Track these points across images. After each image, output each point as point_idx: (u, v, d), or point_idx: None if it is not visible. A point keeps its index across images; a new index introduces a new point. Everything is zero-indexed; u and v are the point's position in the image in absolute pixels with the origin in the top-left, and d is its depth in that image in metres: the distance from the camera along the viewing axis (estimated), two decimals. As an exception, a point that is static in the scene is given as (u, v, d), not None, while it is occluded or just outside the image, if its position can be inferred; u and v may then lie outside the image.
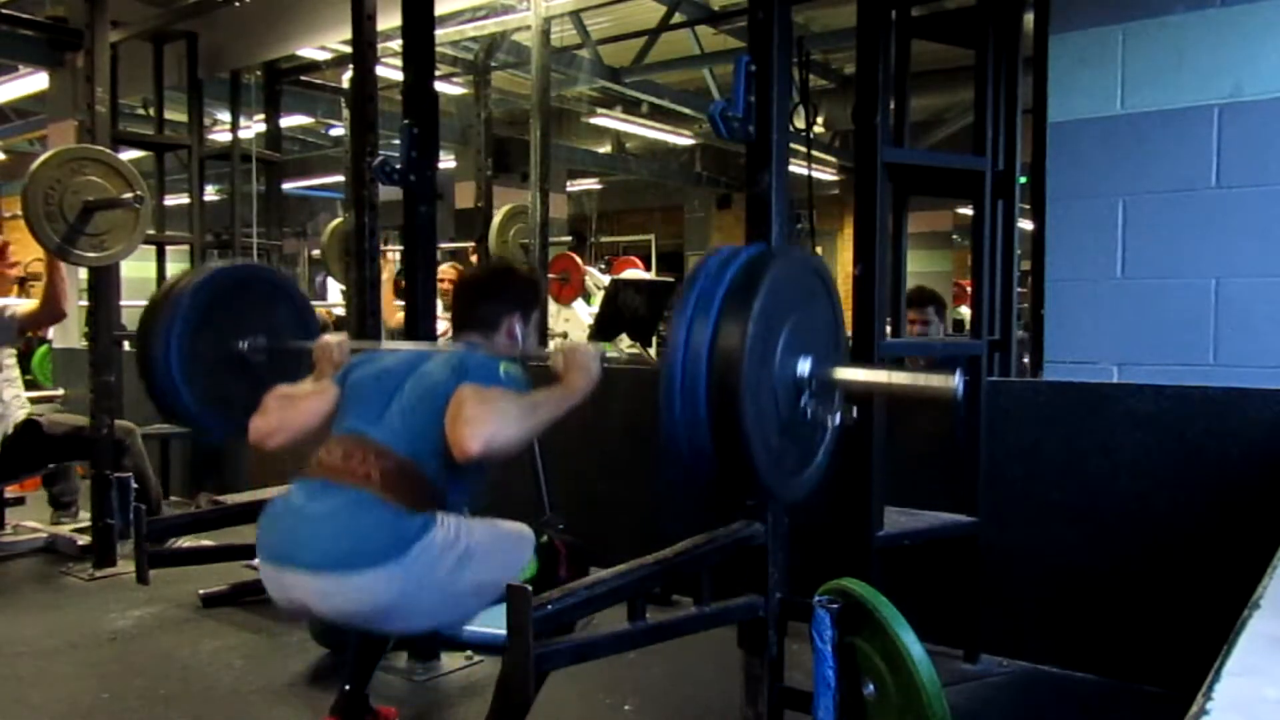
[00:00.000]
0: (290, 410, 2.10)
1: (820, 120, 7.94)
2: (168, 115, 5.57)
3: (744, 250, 1.71)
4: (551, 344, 2.14)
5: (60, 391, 5.97)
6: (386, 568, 1.82)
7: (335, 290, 8.62)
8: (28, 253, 11.30)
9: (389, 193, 2.89)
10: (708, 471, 1.64)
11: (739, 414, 1.55)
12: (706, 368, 1.57)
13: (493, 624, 2.80)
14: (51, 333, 7.64)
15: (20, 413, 3.93)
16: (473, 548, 1.93)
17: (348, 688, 2.20)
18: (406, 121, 2.69)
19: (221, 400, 2.60)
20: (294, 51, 5.48)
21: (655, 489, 3.42)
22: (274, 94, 5.66)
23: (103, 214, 3.66)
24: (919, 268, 10.24)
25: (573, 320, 7.06)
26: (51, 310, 3.87)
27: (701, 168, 11.64)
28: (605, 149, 10.29)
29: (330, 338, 2.35)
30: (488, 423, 1.78)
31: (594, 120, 9.17)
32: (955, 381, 1.60)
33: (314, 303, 3.64)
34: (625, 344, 7.50)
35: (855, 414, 1.85)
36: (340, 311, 8.61)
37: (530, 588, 1.62)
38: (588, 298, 7.60)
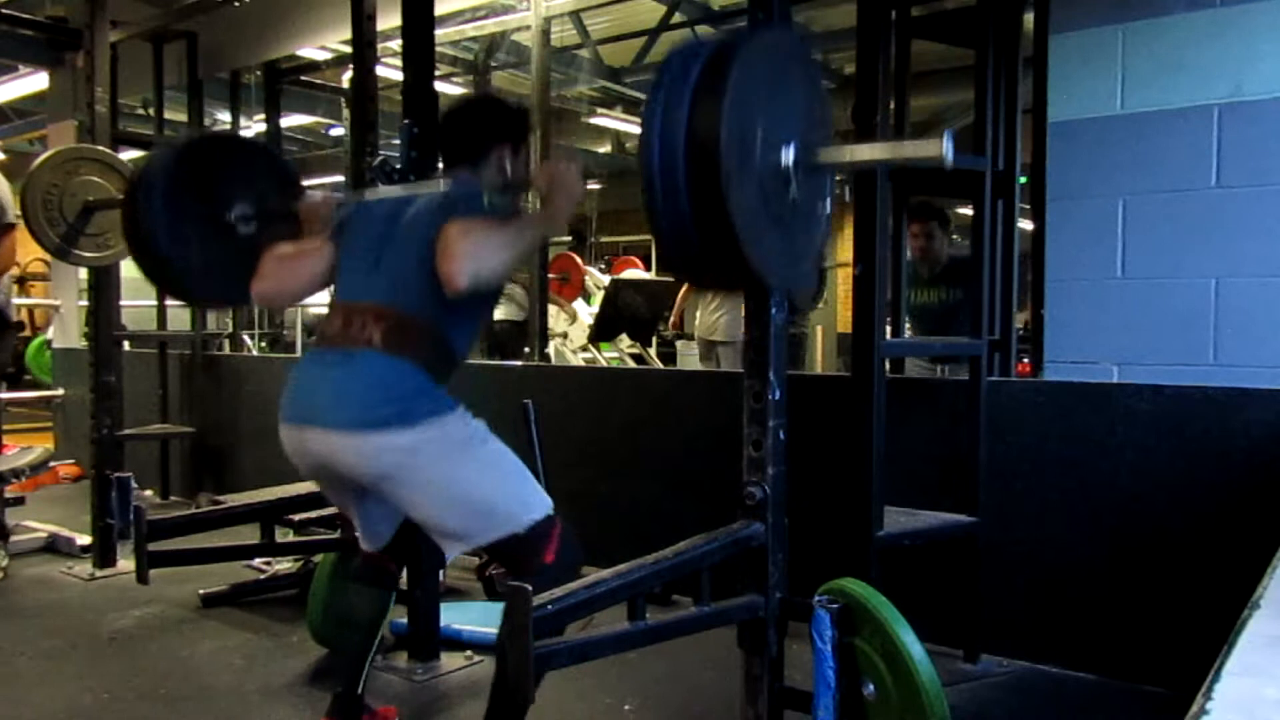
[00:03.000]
0: (287, 272, 2.12)
1: (820, 120, 7.92)
2: (168, 115, 5.57)
3: (712, 41, 1.64)
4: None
5: (60, 391, 5.96)
6: (398, 428, 1.86)
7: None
8: (28, 252, 11.33)
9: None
10: (701, 265, 1.61)
11: (725, 205, 1.48)
12: (684, 162, 1.51)
13: (492, 624, 2.80)
14: (51, 330, 7.64)
15: None
16: (486, 455, 1.97)
17: (340, 690, 2.20)
18: (406, 121, 2.69)
19: (216, 270, 2.53)
20: (294, 51, 5.48)
21: (658, 488, 3.43)
22: (274, 94, 5.66)
23: (103, 214, 3.66)
24: (919, 268, 10.27)
25: (576, 321, 7.07)
26: None
27: (701, 168, 11.61)
28: (605, 149, 10.28)
29: (316, 195, 2.32)
30: (472, 255, 1.79)
31: (594, 120, 9.17)
32: (945, 145, 1.53)
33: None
34: (625, 344, 7.52)
35: (859, 270, 1.79)
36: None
37: (530, 588, 1.62)
38: (588, 298, 7.61)
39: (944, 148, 1.53)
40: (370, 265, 2.00)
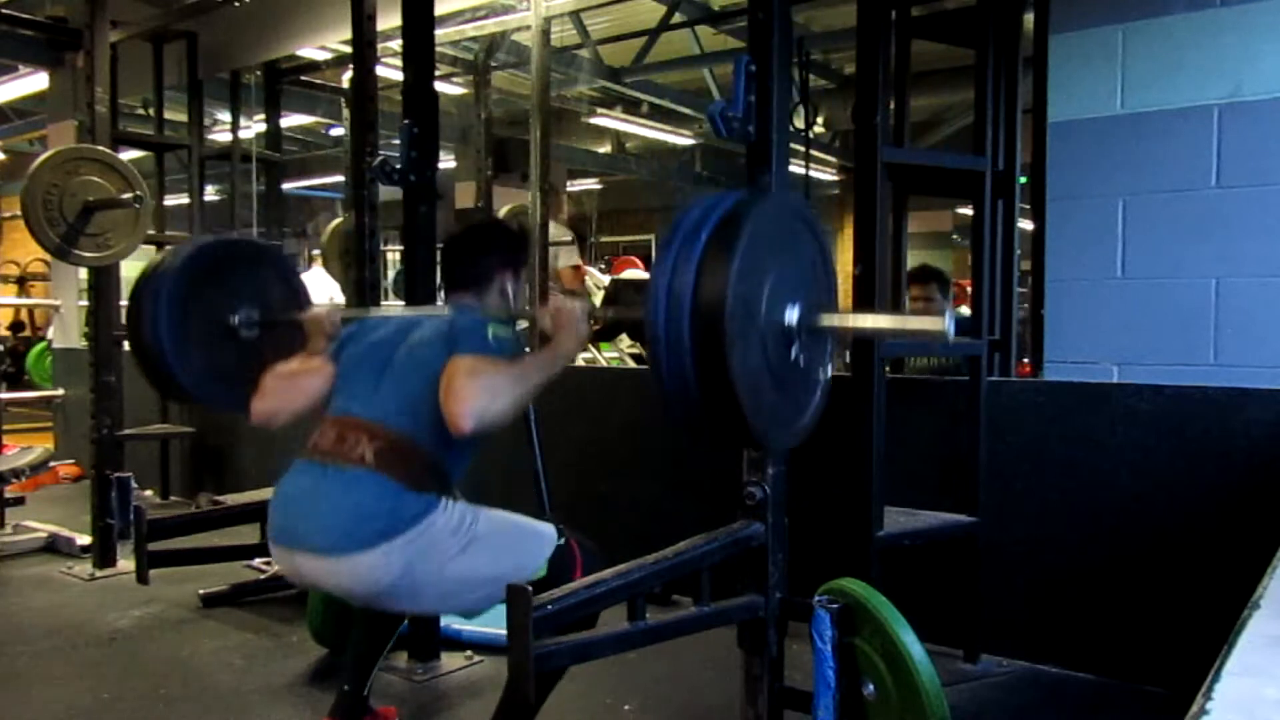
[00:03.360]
0: (289, 391, 2.11)
1: (820, 120, 7.93)
2: (168, 115, 5.57)
3: (726, 197, 1.67)
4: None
5: (60, 392, 5.97)
6: (385, 547, 1.83)
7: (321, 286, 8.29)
8: (28, 253, 11.35)
9: (389, 193, 2.89)
10: (700, 422, 1.62)
11: (726, 368, 1.50)
12: (690, 320, 1.53)
13: (492, 624, 2.80)
14: (51, 331, 7.64)
15: None
16: (481, 536, 1.94)
17: (346, 688, 2.20)
18: (406, 121, 2.69)
19: (218, 374, 2.58)
20: (294, 51, 5.48)
21: (658, 488, 3.43)
22: (274, 94, 5.66)
23: (103, 214, 3.67)
24: (919, 268, 10.26)
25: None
26: None
27: (701, 168, 11.63)
28: (605, 149, 10.28)
29: (321, 308, 2.34)
30: (478, 397, 1.78)
31: (594, 120, 9.16)
32: (946, 322, 1.55)
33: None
34: (625, 344, 7.51)
35: (847, 359, 1.81)
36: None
37: (530, 588, 1.62)
38: (588, 298, 7.61)
39: (946, 325, 1.56)
40: (370, 386, 1.99)
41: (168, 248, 2.70)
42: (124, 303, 4.57)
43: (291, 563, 1.94)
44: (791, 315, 1.67)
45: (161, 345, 2.46)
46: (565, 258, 5.74)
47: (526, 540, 2.07)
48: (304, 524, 1.90)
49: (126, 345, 2.68)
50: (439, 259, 2.30)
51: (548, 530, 2.09)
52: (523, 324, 2.16)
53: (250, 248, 2.86)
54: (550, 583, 1.97)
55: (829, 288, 1.84)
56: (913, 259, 3.55)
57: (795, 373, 1.72)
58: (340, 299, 8.65)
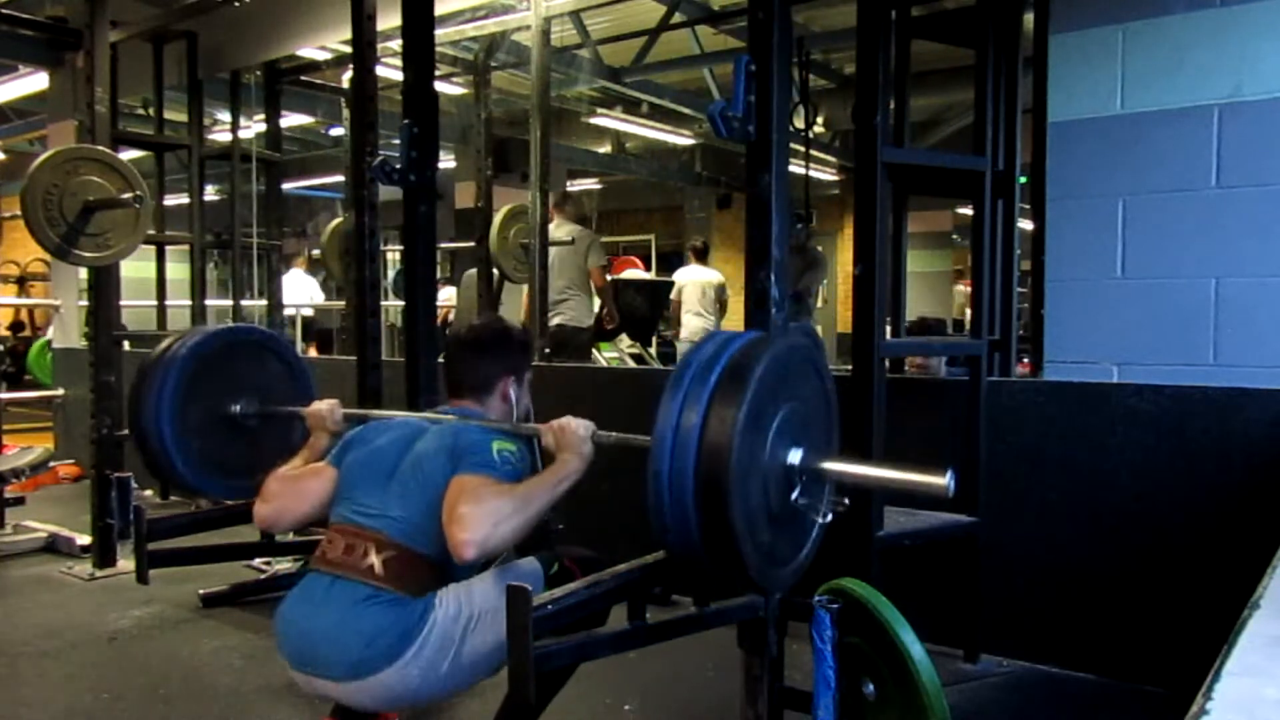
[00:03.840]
0: (291, 495, 2.10)
1: (820, 120, 7.93)
2: (168, 115, 5.56)
3: (737, 338, 1.71)
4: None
5: (60, 392, 5.96)
6: (397, 665, 1.83)
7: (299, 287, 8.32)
8: (28, 253, 11.35)
9: (389, 193, 2.89)
10: (697, 559, 1.64)
11: (726, 509, 1.54)
12: (694, 460, 1.57)
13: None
14: (51, 331, 7.64)
15: None
16: (478, 612, 1.92)
17: None
18: (406, 121, 2.69)
19: (217, 464, 2.65)
20: (294, 51, 5.47)
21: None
22: (274, 94, 5.65)
23: (103, 214, 3.67)
24: (919, 268, 10.29)
25: None
26: None
27: (701, 168, 11.63)
28: (605, 149, 10.28)
29: (322, 405, 2.33)
30: (481, 525, 1.77)
31: (594, 120, 9.17)
32: (947, 480, 1.58)
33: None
34: (625, 344, 7.52)
35: (846, 503, 1.83)
36: (308, 312, 8.59)
37: (529, 588, 1.62)
38: (612, 301, 7.62)
39: (947, 482, 1.58)
40: (376, 495, 1.97)
41: (173, 337, 2.73)
42: (124, 303, 4.60)
43: (311, 686, 1.94)
44: (794, 457, 1.70)
45: (162, 434, 2.51)
46: (595, 257, 5.74)
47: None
48: (316, 652, 1.89)
49: (128, 346, 2.69)
50: (442, 362, 2.30)
51: (532, 566, 2.07)
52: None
53: (255, 336, 2.90)
54: None
55: (830, 431, 1.88)
56: (913, 259, 3.56)
57: (794, 514, 1.75)
58: (320, 297, 8.67)
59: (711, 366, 1.63)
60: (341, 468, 2.08)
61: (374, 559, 1.88)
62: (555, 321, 5.49)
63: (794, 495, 1.72)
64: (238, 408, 2.65)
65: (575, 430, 1.99)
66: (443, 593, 1.89)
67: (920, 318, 3.87)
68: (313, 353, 7.84)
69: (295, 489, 2.11)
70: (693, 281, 7.36)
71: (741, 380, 1.58)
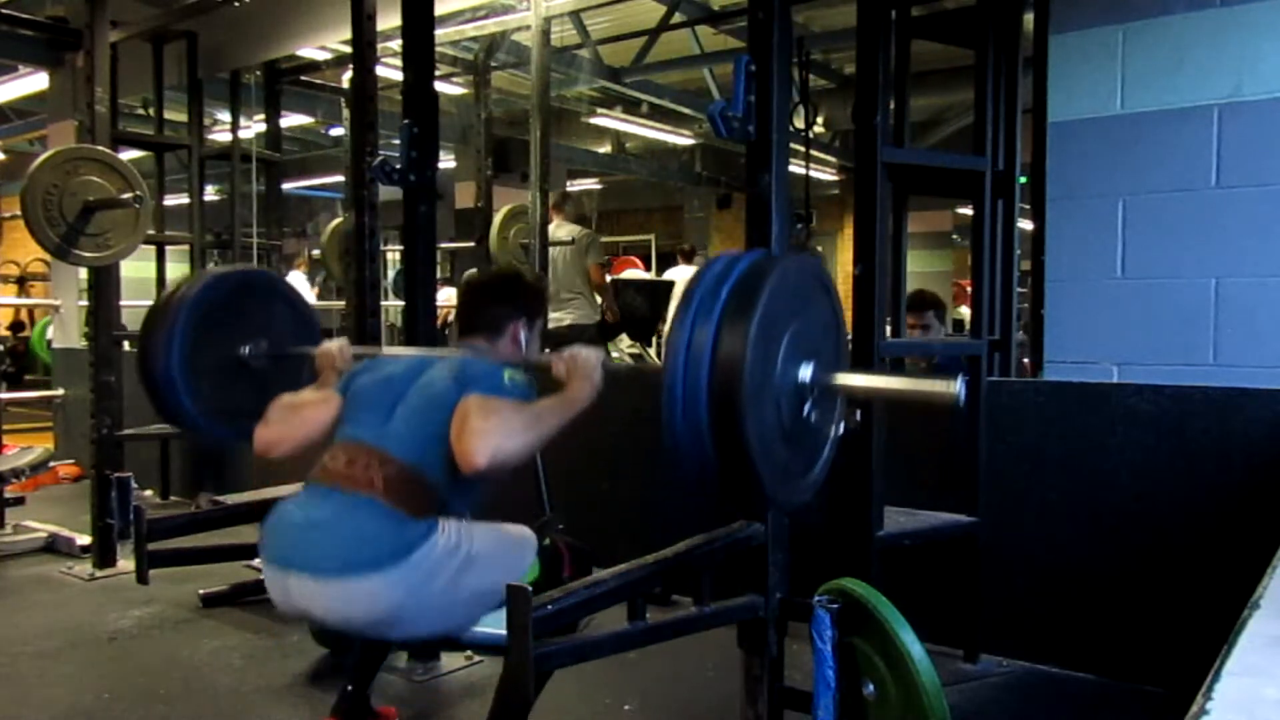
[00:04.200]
0: (294, 420, 2.10)
1: (820, 120, 7.94)
2: (168, 115, 5.56)
3: (744, 256, 1.70)
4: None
5: (60, 392, 5.96)
6: (387, 574, 1.82)
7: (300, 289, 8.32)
8: (28, 253, 11.34)
9: (389, 193, 2.89)
10: (711, 478, 1.64)
11: (741, 423, 1.54)
12: (708, 376, 1.56)
13: (493, 624, 2.80)
14: (51, 331, 7.64)
15: None
16: (474, 553, 1.93)
17: (350, 688, 2.20)
18: (406, 121, 2.69)
19: (226, 407, 2.60)
20: (294, 51, 5.47)
21: (658, 488, 3.43)
22: (274, 94, 5.66)
23: (103, 214, 3.66)
24: (919, 268, 10.27)
25: None
26: None
27: (701, 168, 11.64)
28: (605, 149, 10.28)
29: (332, 344, 2.34)
30: (492, 435, 1.78)
31: (594, 120, 9.17)
32: (957, 387, 1.58)
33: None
34: (625, 344, 7.52)
35: (859, 418, 1.83)
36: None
37: (530, 588, 1.62)
38: (612, 299, 7.64)
39: (957, 390, 1.58)
40: (382, 417, 1.98)
41: (181, 280, 2.70)
42: (124, 303, 4.60)
43: (284, 585, 1.90)
44: (805, 373, 1.69)
45: (172, 378, 2.47)
46: (594, 255, 5.77)
47: (514, 549, 2.07)
48: (303, 547, 1.88)
49: (128, 346, 2.67)
50: (457, 303, 2.30)
51: (528, 534, 2.10)
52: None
53: (263, 280, 2.88)
54: (545, 584, 1.98)
55: (840, 346, 1.86)
56: (913, 259, 3.56)
57: (807, 430, 1.74)
58: (311, 299, 8.67)
59: (722, 282, 1.61)
60: (348, 393, 2.09)
61: (376, 474, 1.88)
62: (566, 321, 5.52)
63: (806, 410, 1.70)
64: (246, 350, 2.62)
65: (586, 358, 2.00)
66: (445, 523, 1.90)
67: (918, 290, 3.84)
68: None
69: (298, 414, 2.11)
70: (681, 281, 7.49)
71: (752, 295, 1.57)
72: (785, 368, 1.66)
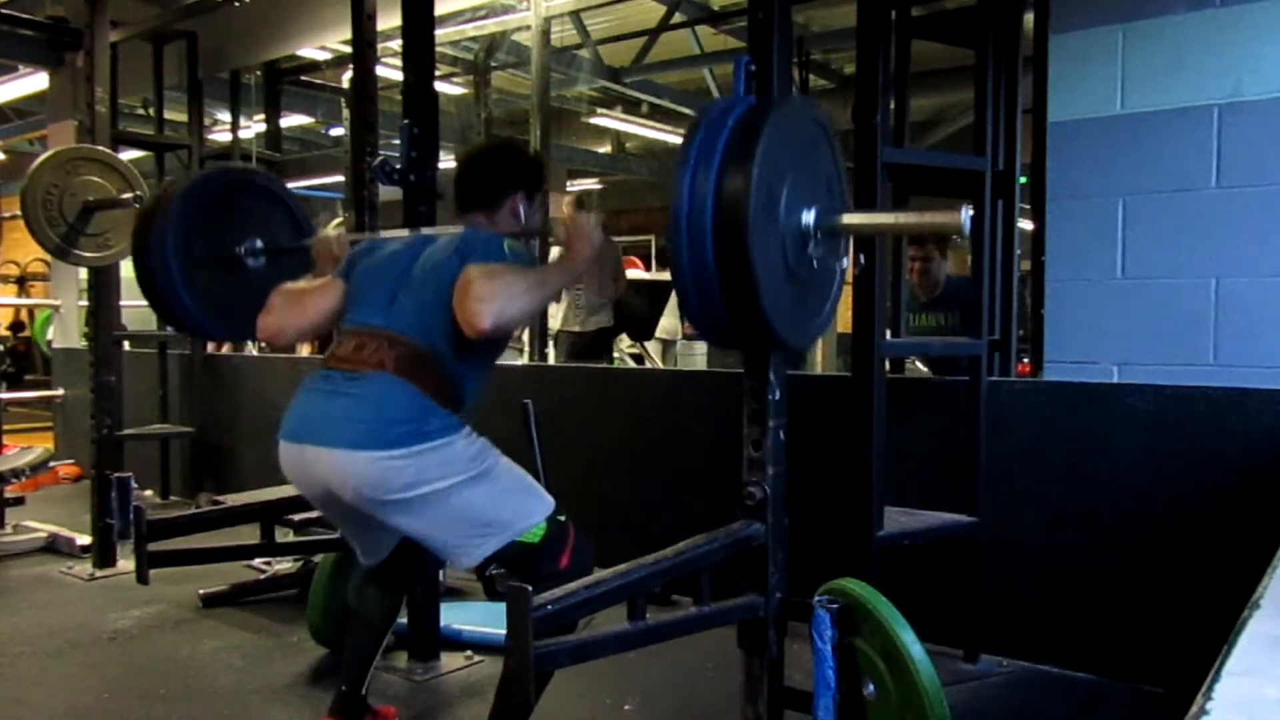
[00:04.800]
0: (295, 307, 2.10)
1: (820, 120, 7.91)
2: (168, 115, 5.57)
3: (743, 100, 1.68)
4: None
5: (60, 392, 5.97)
6: (405, 450, 1.83)
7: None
8: (28, 253, 11.36)
9: (389, 193, 2.89)
10: (719, 317, 1.63)
11: (746, 256, 1.53)
12: (712, 217, 1.54)
13: (492, 624, 2.80)
14: (51, 331, 7.64)
15: None
16: (490, 473, 1.94)
17: (344, 688, 2.20)
18: (406, 121, 2.69)
19: (226, 305, 2.55)
20: (294, 51, 5.48)
21: (658, 488, 3.43)
22: (274, 94, 5.67)
23: (103, 214, 3.67)
24: (919, 268, 10.26)
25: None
26: None
27: (701, 168, 11.60)
28: (605, 149, 10.28)
29: (328, 232, 2.31)
30: (496, 298, 1.78)
31: (594, 120, 9.17)
32: (962, 215, 1.56)
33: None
34: (625, 344, 7.53)
35: (863, 261, 1.84)
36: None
37: (530, 588, 1.62)
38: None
39: (962, 218, 1.56)
40: (386, 298, 1.99)
41: (170, 180, 2.64)
42: (124, 303, 4.60)
43: (300, 459, 1.92)
44: (808, 217, 1.69)
45: (170, 271, 2.41)
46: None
47: (531, 496, 2.05)
48: (326, 418, 1.89)
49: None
50: (454, 179, 2.25)
51: (549, 497, 2.08)
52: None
53: (252, 178, 2.81)
54: (541, 552, 1.96)
55: (842, 192, 1.84)
56: (913, 259, 3.55)
57: (811, 272, 1.74)
58: None
59: (726, 117, 1.61)
60: (350, 278, 2.08)
61: (386, 354, 1.90)
62: (595, 326, 5.64)
63: (810, 250, 1.70)
64: (242, 248, 2.59)
65: (585, 221, 1.98)
66: (474, 432, 1.94)
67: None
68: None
69: (300, 301, 2.11)
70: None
71: (756, 131, 1.57)
72: (789, 210, 1.65)
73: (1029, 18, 3.13)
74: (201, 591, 3.33)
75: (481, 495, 1.94)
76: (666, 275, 8.06)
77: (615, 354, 7.38)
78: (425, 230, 2.20)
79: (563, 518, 2.05)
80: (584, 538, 2.07)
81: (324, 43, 5.37)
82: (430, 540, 1.96)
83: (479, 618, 2.95)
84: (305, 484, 1.98)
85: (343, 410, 1.88)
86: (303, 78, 6.34)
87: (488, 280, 1.81)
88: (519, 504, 2.01)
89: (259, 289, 2.22)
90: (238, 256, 2.58)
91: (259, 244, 2.59)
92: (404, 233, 2.22)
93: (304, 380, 2.02)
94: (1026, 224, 3.23)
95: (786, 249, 1.67)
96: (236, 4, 4.75)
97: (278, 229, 2.65)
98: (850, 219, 1.75)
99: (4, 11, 5.34)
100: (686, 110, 8.96)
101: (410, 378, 1.88)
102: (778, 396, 1.99)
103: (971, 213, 1.57)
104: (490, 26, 5.20)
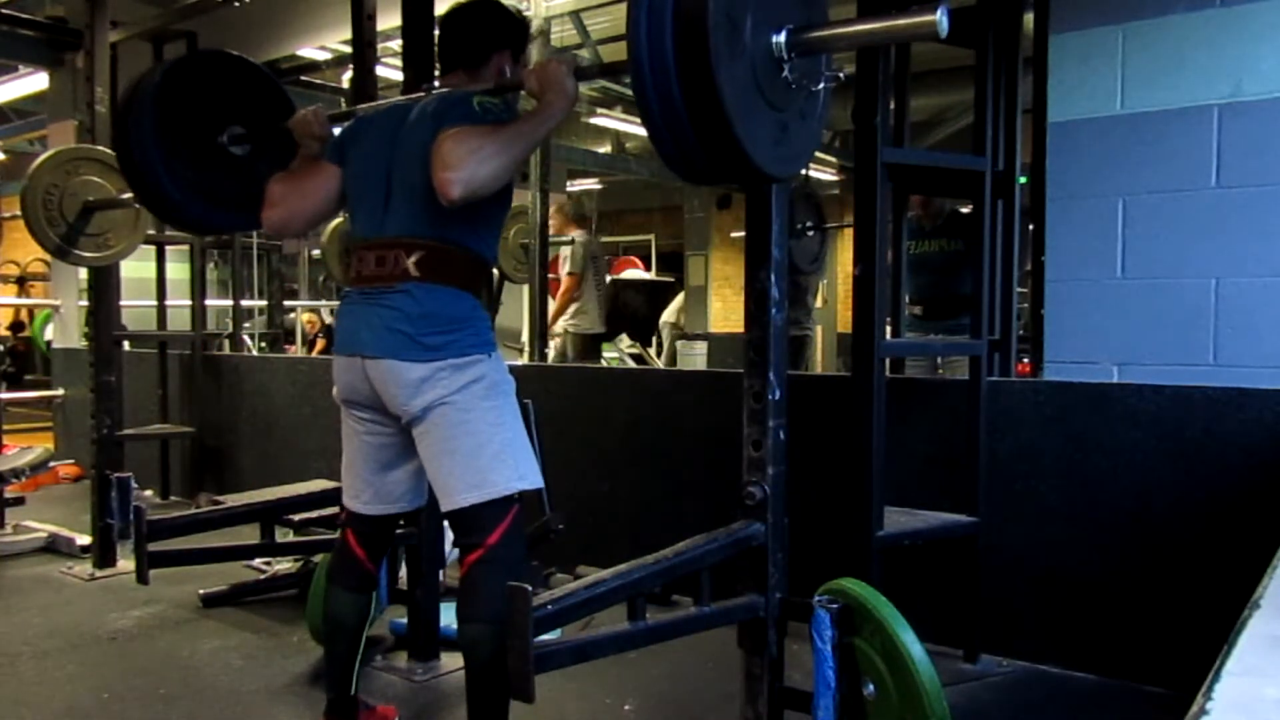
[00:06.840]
0: (297, 195, 2.10)
1: (820, 120, 7.93)
2: (168, 115, 5.56)
3: None
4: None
5: (60, 392, 5.97)
6: (437, 363, 1.89)
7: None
8: (28, 253, 11.36)
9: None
10: (693, 150, 1.56)
11: (714, 81, 1.45)
12: (672, 34, 1.46)
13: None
14: (50, 331, 7.64)
15: None
16: (505, 411, 1.96)
17: (332, 696, 2.17)
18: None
19: (213, 192, 2.48)
20: (294, 51, 5.48)
21: (658, 488, 3.43)
22: (274, 94, 5.66)
23: (103, 214, 3.67)
24: (919, 268, 10.28)
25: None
26: None
27: (701, 168, 11.61)
28: (605, 149, 10.28)
29: (306, 111, 2.25)
30: (464, 163, 1.75)
31: (594, 120, 9.17)
32: (938, 14, 1.48)
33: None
34: (625, 344, 7.53)
35: (842, 75, 1.76)
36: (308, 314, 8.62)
37: (529, 588, 1.62)
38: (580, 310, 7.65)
39: (939, 17, 1.48)
40: (382, 197, 1.99)
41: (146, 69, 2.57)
42: (124, 302, 4.60)
43: (351, 368, 1.98)
44: (779, 38, 1.61)
45: (152, 161, 2.35)
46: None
47: (528, 459, 2.00)
48: (370, 333, 1.94)
49: (128, 346, 2.60)
50: (436, 36, 2.20)
51: (538, 476, 2.03)
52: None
53: (225, 60, 2.65)
54: (482, 518, 1.93)
55: (820, 5, 1.75)
56: (913, 259, 3.56)
57: (789, 93, 1.67)
58: None
59: None
60: (345, 166, 2.08)
61: (406, 262, 1.92)
62: (595, 330, 5.76)
63: (785, 73, 1.63)
64: (224, 136, 2.51)
65: (556, 69, 1.90)
66: (505, 367, 2.00)
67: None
68: (310, 351, 7.84)
69: (300, 188, 2.10)
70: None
71: None
72: (756, 29, 1.57)
73: (1029, 18, 3.13)
74: (201, 591, 3.33)
75: (488, 423, 1.93)
76: (667, 276, 8.13)
77: (614, 354, 7.39)
78: (404, 99, 2.14)
79: (527, 490, 2.00)
80: (521, 530, 2.02)
81: (324, 43, 5.37)
82: (443, 471, 1.95)
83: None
84: (359, 394, 2.01)
85: (383, 320, 1.92)
86: (303, 78, 6.32)
87: (455, 146, 1.77)
88: (517, 459, 1.97)
89: (249, 177, 2.19)
90: (222, 145, 2.50)
91: (239, 130, 2.51)
92: (384, 104, 2.17)
93: (344, 299, 2.07)
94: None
95: (758, 73, 1.58)
96: (236, 4, 4.75)
97: (258, 109, 2.55)
98: (819, 33, 1.64)
99: (4, 11, 5.34)
100: (686, 110, 8.96)
101: (435, 278, 1.91)
102: (778, 396, 1.99)
103: (948, 12, 1.48)
104: (490, 26, 5.20)
